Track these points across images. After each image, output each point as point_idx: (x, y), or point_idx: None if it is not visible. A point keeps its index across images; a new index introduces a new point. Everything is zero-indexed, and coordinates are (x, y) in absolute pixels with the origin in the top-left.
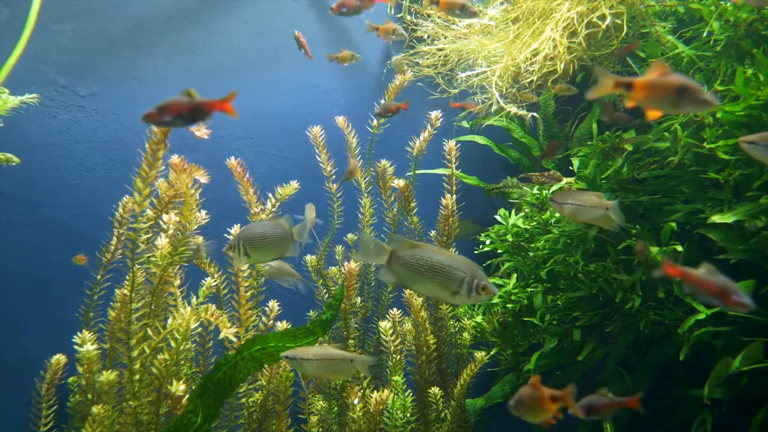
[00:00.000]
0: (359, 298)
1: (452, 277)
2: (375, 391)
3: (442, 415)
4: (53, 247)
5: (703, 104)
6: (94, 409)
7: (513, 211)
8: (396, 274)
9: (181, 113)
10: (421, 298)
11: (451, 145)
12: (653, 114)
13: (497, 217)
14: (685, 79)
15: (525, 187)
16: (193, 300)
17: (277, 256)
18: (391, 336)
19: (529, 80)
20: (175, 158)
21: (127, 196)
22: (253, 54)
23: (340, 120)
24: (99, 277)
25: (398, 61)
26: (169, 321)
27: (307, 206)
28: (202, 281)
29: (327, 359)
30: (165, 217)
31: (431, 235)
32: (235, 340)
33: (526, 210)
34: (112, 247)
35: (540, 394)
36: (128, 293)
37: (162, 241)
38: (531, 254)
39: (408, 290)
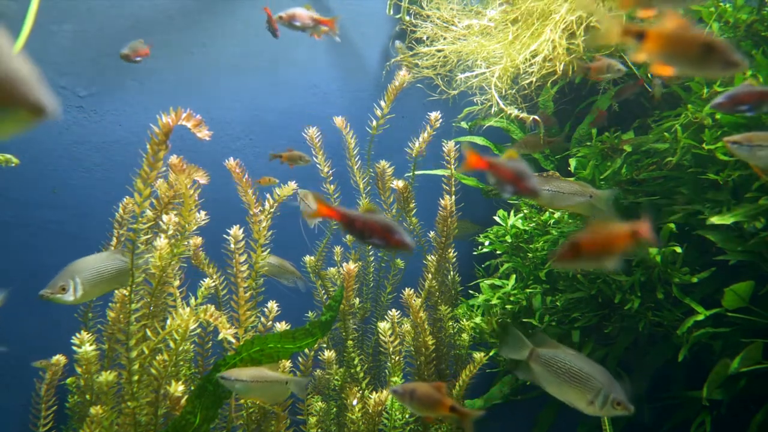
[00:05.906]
0: (358, 299)
1: (590, 387)
2: (374, 392)
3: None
4: (52, 247)
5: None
6: (93, 410)
7: (512, 212)
8: (533, 372)
9: None
10: (419, 299)
11: (450, 146)
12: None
13: (496, 218)
14: None
15: None
16: (192, 301)
17: (116, 288)
18: (389, 337)
19: (528, 81)
20: (174, 159)
21: (127, 197)
22: (252, 55)
23: (339, 121)
24: None
25: None
26: (168, 322)
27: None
28: (201, 282)
29: (261, 381)
30: (165, 217)
31: (430, 235)
32: (234, 341)
33: (525, 211)
34: (112, 248)
35: (440, 399)
36: (127, 294)
37: (161, 241)
38: (530, 255)
39: (407, 291)
